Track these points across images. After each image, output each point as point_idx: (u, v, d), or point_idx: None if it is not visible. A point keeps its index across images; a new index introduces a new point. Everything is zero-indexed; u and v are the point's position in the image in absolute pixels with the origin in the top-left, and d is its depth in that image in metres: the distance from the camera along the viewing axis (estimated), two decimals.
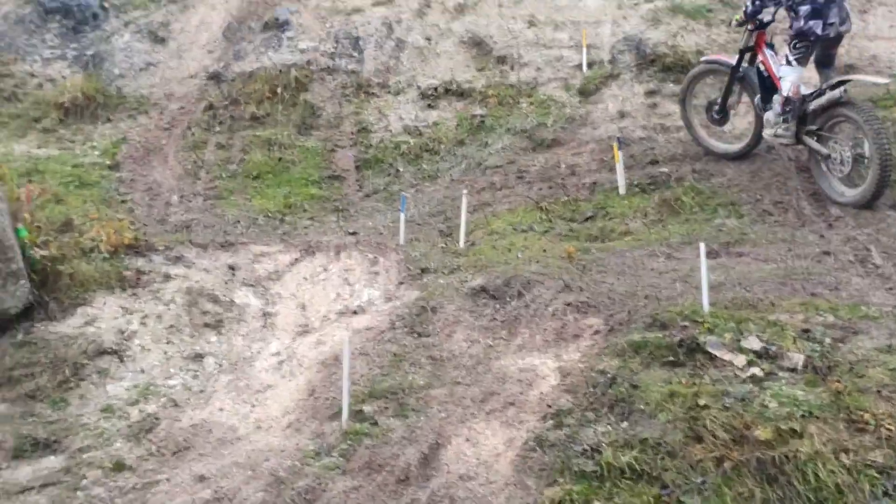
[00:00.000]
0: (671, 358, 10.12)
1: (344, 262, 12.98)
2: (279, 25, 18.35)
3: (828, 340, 10.25)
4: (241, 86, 17.41)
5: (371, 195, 15.56)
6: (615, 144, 14.92)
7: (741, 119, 15.29)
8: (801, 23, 13.83)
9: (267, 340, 11.71)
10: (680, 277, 11.94)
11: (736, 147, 15.10)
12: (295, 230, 14.47)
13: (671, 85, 16.80)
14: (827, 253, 12.63)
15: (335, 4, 18.52)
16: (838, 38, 14.11)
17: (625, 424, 9.54)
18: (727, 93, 14.96)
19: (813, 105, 13.98)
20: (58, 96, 17.26)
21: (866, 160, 13.59)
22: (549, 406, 9.86)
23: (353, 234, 14.19)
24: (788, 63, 14.09)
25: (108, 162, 16.22)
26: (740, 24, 14.63)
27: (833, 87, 13.83)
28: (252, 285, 12.59)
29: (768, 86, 14.52)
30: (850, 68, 16.15)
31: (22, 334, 11.50)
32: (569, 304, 11.35)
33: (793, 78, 14.06)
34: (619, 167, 14.74)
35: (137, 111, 17.26)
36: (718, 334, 10.31)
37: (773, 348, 10.14)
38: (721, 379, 9.82)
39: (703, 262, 10.80)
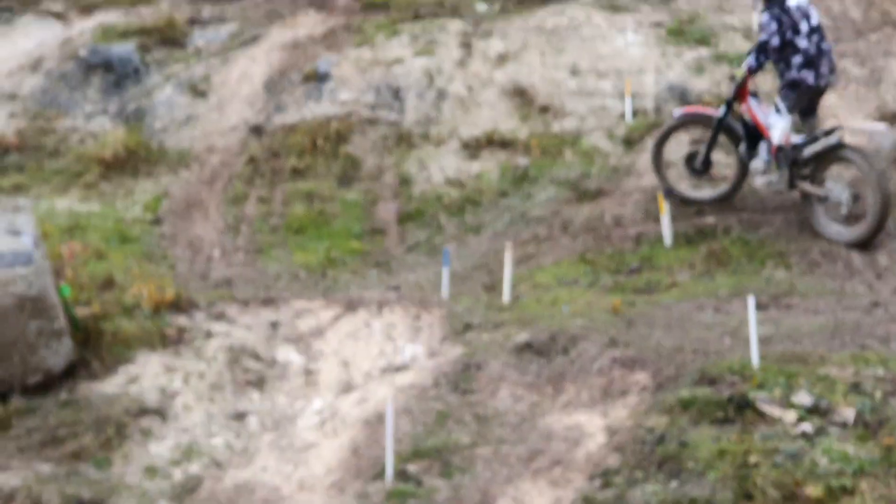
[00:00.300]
0: (720, 415, 10.06)
1: (386, 318, 12.88)
2: (319, 77, 18.35)
3: (878, 394, 10.20)
4: (281, 138, 17.39)
5: (413, 248, 15.50)
6: (660, 195, 14.85)
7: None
8: (794, 73, 14.48)
9: (309, 398, 11.65)
10: (728, 331, 11.85)
11: (714, 193, 15.27)
12: (336, 285, 14.44)
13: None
14: (877, 304, 12.55)
15: (375, 55, 18.51)
16: (825, 88, 14.78)
17: (674, 483, 9.46)
18: (712, 143, 15.13)
19: (807, 151, 14.42)
20: (100, 151, 17.28)
21: (863, 199, 14.12)
22: (597, 465, 9.76)
23: (396, 288, 14.14)
24: (778, 111, 14.53)
25: (149, 217, 16.23)
26: (741, 81, 14.90)
27: (827, 134, 14.43)
28: (294, 342, 12.52)
29: (753, 134, 14.86)
30: None
31: (65, 393, 11.53)
32: (615, 360, 11.26)
33: (783, 126, 14.50)
34: (665, 218, 14.66)
35: (179, 165, 17.26)
36: (768, 390, 10.24)
37: (824, 403, 10.07)
38: (771, 436, 9.77)
39: (752, 315, 10.73)
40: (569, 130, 17.20)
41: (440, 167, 16.82)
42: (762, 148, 14.68)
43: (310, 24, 19.53)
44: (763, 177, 14.67)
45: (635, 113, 17.30)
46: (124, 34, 19.24)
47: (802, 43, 14.45)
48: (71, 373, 11.70)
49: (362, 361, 12.18)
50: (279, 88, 18.31)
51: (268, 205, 16.41)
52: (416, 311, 13.03)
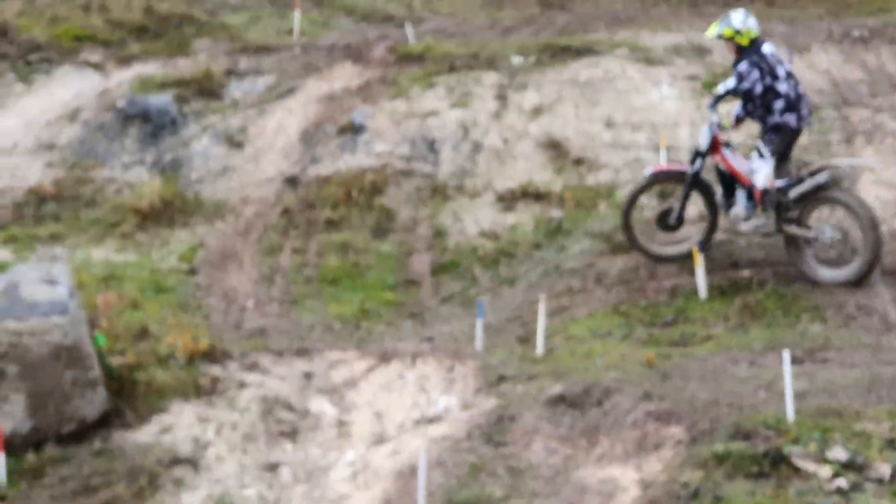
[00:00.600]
0: (755, 469, 9.99)
1: (420, 369, 12.86)
2: (355, 129, 18.43)
3: None
4: (316, 190, 17.44)
5: (447, 300, 15.50)
6: (695, 247, 14.81)
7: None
8: (777, 117, 14.64)
9: (342, 449, 11.62)
10: (763, 385, 11.79)
11: (684, 248, 15.24)
12: (370, 336, 14.44)
13: None
14: None
15: (411, 107, 18.58)
16: (802, 129, 14.95)
17: None
18: (685, 199, 15.18)
19: (793, 193, 14.54)
20: (136, 201, 17.38)
21: (852, 240, 14.26)
22: None
23: (430, 340, 14.13)
24: (761, 156, 14.66)
25: (185, 267, 16.28)
26: (724, 130, 15.03)
27: (813, 174, 14.56)
28: (327, 393, 12.52)
29: (729, 183, 14.99)
30: None
31: (99, 442, 11.58)
32: (649, 413, 11.20)
33: (766, 170, 14.62)
34: (700, 271, 14.63)
35: (214, 216, 17.33)
36: (803, 445, 10.17)
37: (860, 459, 10.00)
38: (806, 491, 9.70)
39: (787, 369, 10.67)
40: (603, 183, 17.22)
41: (475, 219, 16.84)
42: (739, 196, 14.81)
43: (346, 76, 19.65)
44: (747, 223, 14.78)
45: None
46: (162, 85, 19.41)
47: (783, 87, 14.61)
48: (105, 422, 11.75)
49: (395, 413, 12.16)
50: (315, 140, 18.39)
51: (302, 256, 16.45)
52: (450, 363, 13.01)
